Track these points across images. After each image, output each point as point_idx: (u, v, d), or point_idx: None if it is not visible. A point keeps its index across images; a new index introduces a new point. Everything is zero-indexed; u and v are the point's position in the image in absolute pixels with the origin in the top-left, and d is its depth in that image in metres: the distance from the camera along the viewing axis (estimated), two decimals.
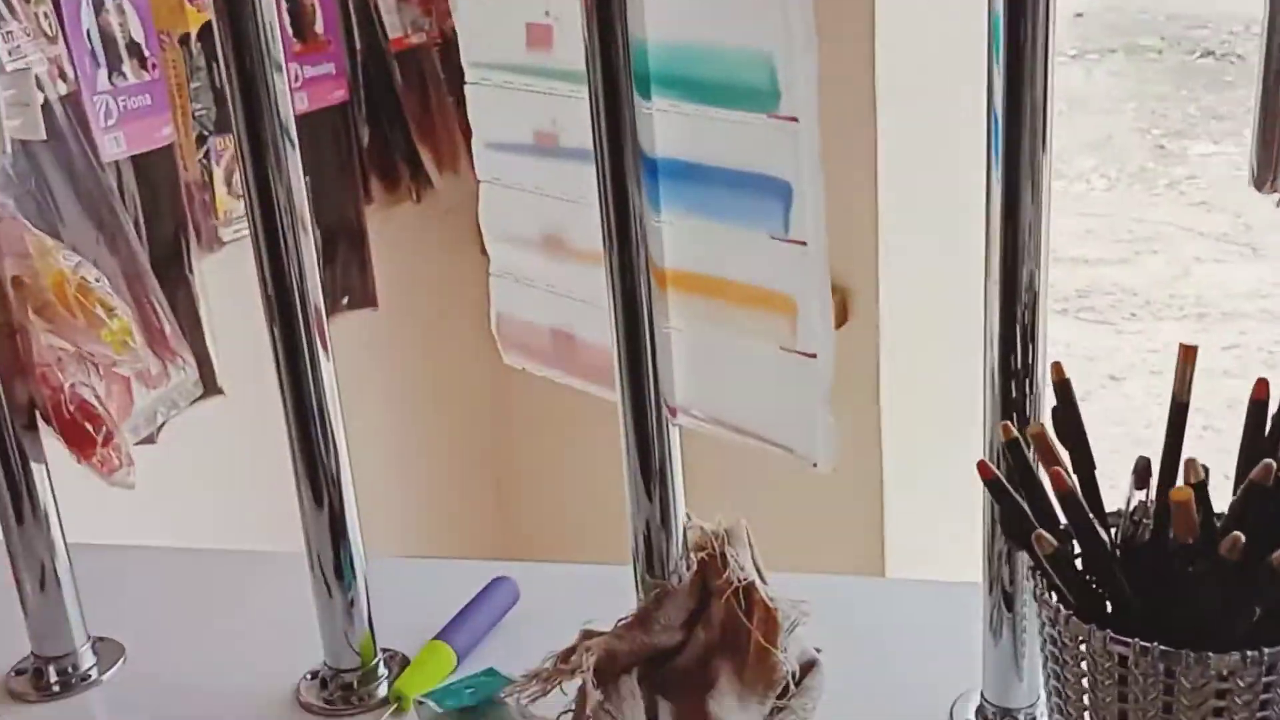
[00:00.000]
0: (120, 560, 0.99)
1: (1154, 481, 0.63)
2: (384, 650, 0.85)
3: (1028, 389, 0.69)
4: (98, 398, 0.83)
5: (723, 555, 0.77)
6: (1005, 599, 0.74)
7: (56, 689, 0.86)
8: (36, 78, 1.21)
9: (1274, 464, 0.58)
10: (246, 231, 0.77)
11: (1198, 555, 0.58)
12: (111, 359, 0.83)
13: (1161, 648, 0.58)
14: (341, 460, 0.81)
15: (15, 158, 1.21)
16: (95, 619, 0.89)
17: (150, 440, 1.44)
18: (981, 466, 0.64)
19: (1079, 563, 0.63)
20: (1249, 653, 0.57)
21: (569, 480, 1.99)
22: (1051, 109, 0.65)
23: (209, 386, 1.48)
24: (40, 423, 0.85)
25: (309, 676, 0.85)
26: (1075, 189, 4.56)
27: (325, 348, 0.79)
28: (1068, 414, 0.66)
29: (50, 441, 0.89)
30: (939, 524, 1.66)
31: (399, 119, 1.65)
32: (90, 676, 0.87)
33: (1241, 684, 0.58)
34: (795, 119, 0.64)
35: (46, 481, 0.86)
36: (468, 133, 0.83)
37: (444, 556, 1.36)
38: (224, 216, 1.42)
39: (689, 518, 0.79)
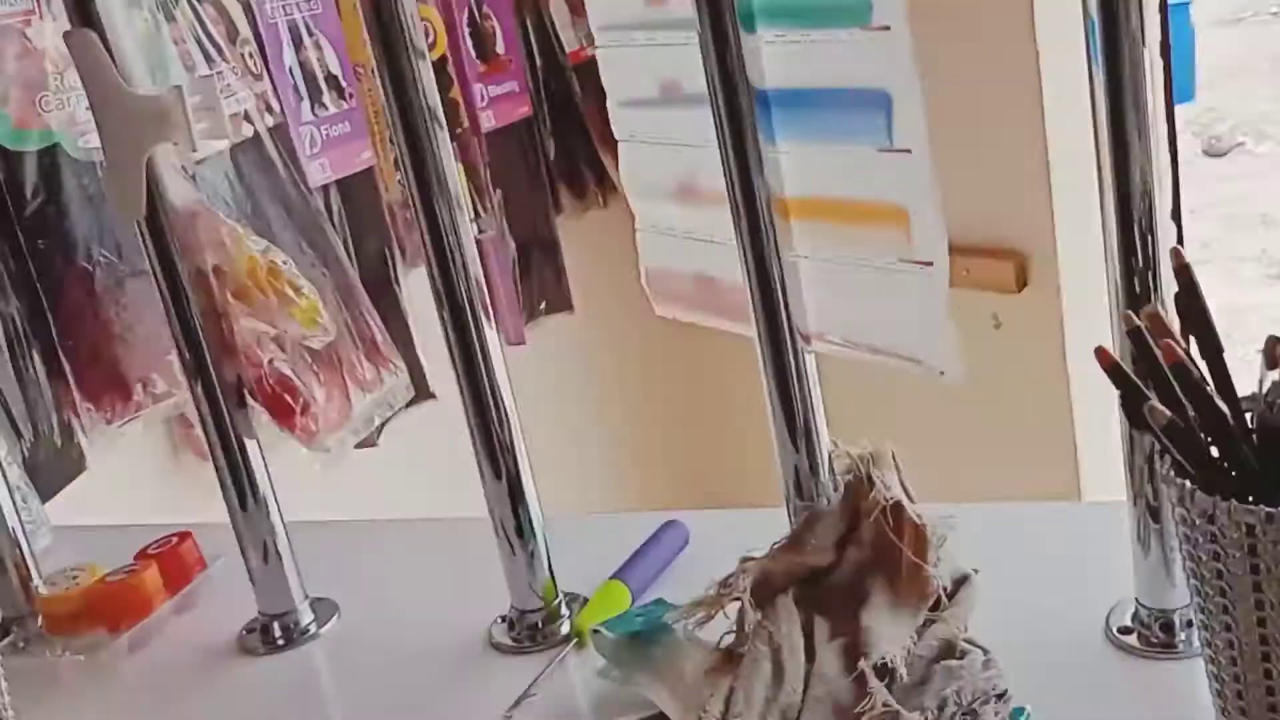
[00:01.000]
0: (331, 533, 1.08)
1: None
2: (565, 593, 0.91)
3: (1151, 283, 0.69)
4: (293, 371, 0.91)
5: (869, 477, 0.79)
6: (1150, 511, 0.74)
7: (281, 643, 0.95)
8: (245, 112, 1.34)
9: None
10: None
11: None
12: (302, 334, 0.92)
13: None
14: (515, 433, 0.87)
15: (233, 185, 1.34)
16: (311, 582, 0.98)
17: (370, 443, 1.55)
18: (1100, 352, 0.65)
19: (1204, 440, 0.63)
20: None
21: (738, 430, 2.03)
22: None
23: (420, 391, 1.58)
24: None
25: (499, 620, 0.91)
26: None
27: (491, 325, 0.86)
28: (1191, 300, 0.66)
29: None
30: None
31: (581, 129, 1.73)
32: (309, 630, 0.96)
33: None
34: (888, 27, 0.67)
35: (260, 457, 0.95)
36: None
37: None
38: None
39: (835, 444, 0.81)
